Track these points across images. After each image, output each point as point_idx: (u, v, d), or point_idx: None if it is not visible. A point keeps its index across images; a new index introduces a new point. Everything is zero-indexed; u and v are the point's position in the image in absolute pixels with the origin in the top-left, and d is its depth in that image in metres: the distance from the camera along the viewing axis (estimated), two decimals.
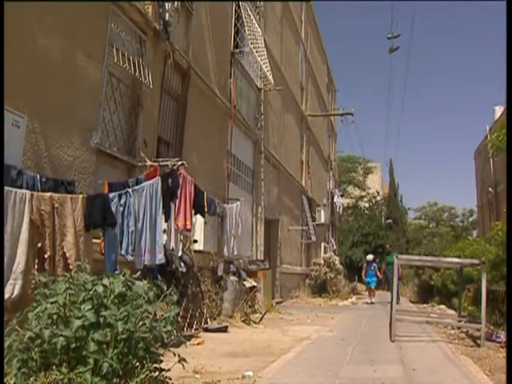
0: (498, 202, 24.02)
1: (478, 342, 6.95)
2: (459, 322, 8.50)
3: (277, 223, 16.11)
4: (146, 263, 5.88)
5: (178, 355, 3.27)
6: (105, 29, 6.46)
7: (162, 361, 3.31)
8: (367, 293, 18.31)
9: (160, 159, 7.47)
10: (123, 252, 5.47)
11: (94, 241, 5.24)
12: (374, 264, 17.70)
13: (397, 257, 7.57)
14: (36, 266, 4.32)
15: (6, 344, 2.95)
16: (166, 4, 7.87)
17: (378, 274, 17.47)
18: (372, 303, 16.38)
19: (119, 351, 2.98)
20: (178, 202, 6.88)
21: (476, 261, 8.05)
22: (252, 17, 12.19)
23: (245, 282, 10.01)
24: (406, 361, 5.53)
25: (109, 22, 6.56)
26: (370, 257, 18.34)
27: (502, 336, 7.07)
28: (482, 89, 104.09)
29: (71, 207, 4.67)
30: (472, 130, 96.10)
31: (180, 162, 7.08)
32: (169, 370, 3.35)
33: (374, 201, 43.32)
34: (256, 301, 10.52)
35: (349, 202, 42.70)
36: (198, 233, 8.69)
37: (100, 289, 3.13)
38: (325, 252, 23.11)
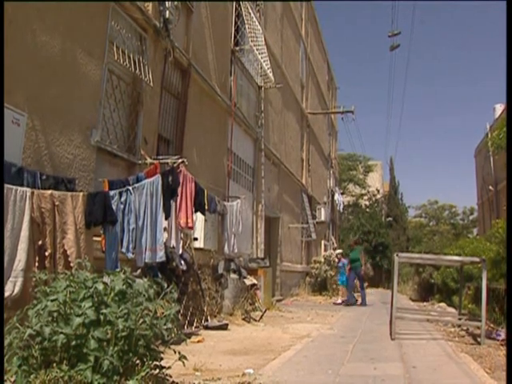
0: (498, 200, 24.03)
1: (479, 339, 6.95)
2: (459, 319, 8.51)
3: (277, 221, 16.12)
4: (146, 261, 5.89)
5: (179, 353, 3.27)
6: (105, 26, 6.45)
7: (162, 358, 3.31)
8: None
9: (160, 157, 7.47)
10: (124, 250, 5.47)
11: (95, 238, 5.24)
12: (343, 260, 16.65)
13: (397, 255, 7.55)
14: (37, 264, 4.32)
15: (7, 342, 2.95)
16: (166, 2, 7.86)
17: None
18: (340, 303, 14.90)
19: (119, 349, 2.98)
20: (178, 199, 6.88)
21: (476, 259, 8.05)
22: (252, 14, 12.17)
23: (245, 280, 10.02)
24: (406, 358, 5.53)
25: (109, 19, 6.55)
26: (337, 251, 17.23)
27: (503, 334, 7.07)
28: (483, 87, 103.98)
29: (72, 205, 4.68)
30: (472, 128, 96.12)
31: (180, 160, 7.08)
32: (169, 367, 3.36)
33: (373, 199, 43.33)
34: (256, 298, 10.53)
35: (349, 200, 42.72)
36: (199, 231, 8.69)
37: (100, 286, 3.13)
38: (325, 250, 23.13)
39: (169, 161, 7.19)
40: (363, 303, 14.67)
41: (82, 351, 2.91)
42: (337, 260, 18.05)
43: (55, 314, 3.00)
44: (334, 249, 25.64)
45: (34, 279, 3.36)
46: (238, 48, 11.98)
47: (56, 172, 5.29)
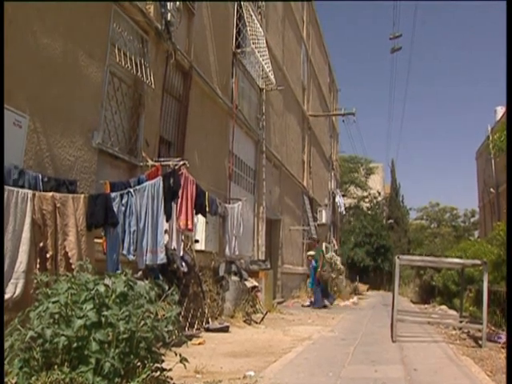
0: (499, 202, 24.01)
1: (480, 342, 6.95)
2: (460, 322, 8.49)
3: (278, 223, 16.11)
4: (147, 263, 5.89)
5: (180, 355, 3.27)
6: (106, 28, 6.47)
7: (163, 360, 3.31)
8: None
9: (161, 159, 7.48)
10: (125, 252, 5.48)
11: (96, 240, 5.25)
12: (313, 262, 15.36)
13: (398, 257, 7.55)
14: (38, 266, 4.33)
15: (8, 343, 2.96)
16: (168, 4, 7.87)
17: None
18: (308, 305, 14.19)
19: (121, 351, 2.98)
20: (179, 201, 6.89)
21: (477, 261, 8.04)
22: (254, 17, 12.19)
23: (246, 282, 10.01)
24: (407, 361, 5.52)
25: (110, 21, 6.56)
26: (309, 253, 16.13)
27: (503, 337, 7.06)
28: (484, 89, 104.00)
29: (73, 207, 4.68)
30: (474, 130, 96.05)
31: (181, 162, 7.08)
32: (170, 369, 3.35)
33: (375, 201, 43.32)
34: (257, 301, 10.52)
35: (351, 202, 42.70)
36: (200, 233, 8.69)
37: (102, 288, 3.13)
38: (326, 252, 23.10)
39: (170, 163, 7.19)
40: (315, 304, 13.80)
41: (84, 353, 2.91)
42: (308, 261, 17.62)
43: (56, 316, 3.00)
44: (336, 251, 25.64)
45: (35, 281, 3.37)
46: (239, 50, 11.99)
47: (57, 174, 5.30)
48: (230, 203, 10.05)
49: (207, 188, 8.20)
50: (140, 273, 6.02)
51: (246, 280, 10.07)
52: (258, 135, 13.63)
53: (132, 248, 5.56)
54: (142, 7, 7.24)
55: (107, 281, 3.26)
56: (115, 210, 5.25)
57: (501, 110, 24.03)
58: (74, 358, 2.94)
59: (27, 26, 4.98)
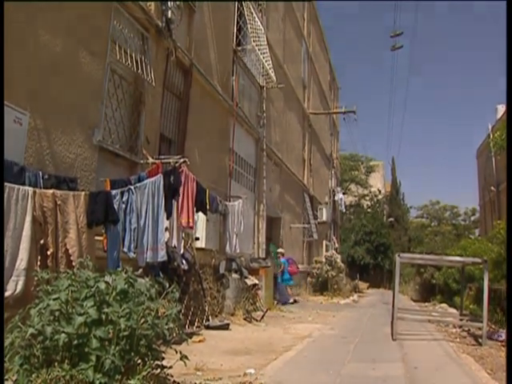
0: (500, 200, 23.99)
1: (480, 340, 6.95)
2: (461, 320, 8.50)
3: (278, 221, 16.11)
4: (148, 260, 5.89)
5: (180, 352, 3.28)
6: (107, 26, 6.45)
7: (163, 358, 3.31)
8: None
9: (162, 157, 7.47)
10: (125, 249, 5.47)
11: (97, 238, 5.25)
12: (281, 258, 15.02)
13: (399, 255, 7.54)
14: (38, 263, 4.33)
15: (9, 341, 2.96)
16: (169, 1, 7.86)
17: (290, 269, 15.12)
18: (292, 302, 13.90)
19: (121, 348, 2.98)
20: (180, 199, 6.88)
21: (478, 259, 8.04)
22: (254, 14, 12.17)
23: (246, 280, 10.02)
24: (407, 359, 5.52)
25: (111, 19, 6.55)
26: (279, 250, 15.43)
27: (504, 335, 7.07)
28: (485, 87, 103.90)
29: (74, 204, 4.68)
30: (475, 128, 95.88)
31: (182, 160, 7.07)
32: (170, 367, 3.36)
33: (375, 199, 43.33)
34: (257, 298, 10.53)
35: (351, 200, 42.72)
36: (200, 230, 8.69)
37: (102, 286, 3.13)
38: (326, 250, 23.12)
39: (171, 160, 7.18)
40: (281, 300, 13.29)
41: (84, 350, 2.91)
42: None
43: (57, 313, 3.00)
44: (336, 249, 25.66)
45: (36, 278, 3.36)
46: (240, 48, 11.97)
47: (58, 171, 5.29)
48: (230, 201, 10.04)
49: (207, 186, 8.20)
50: (140, 270, 5.97)
51: (246, 278, 10.08)
52: (258, 133, 13.62)
53: (132, 245, 5.56)
54: (142, 5, 7.23)
55: (108, 278, 3.25)
56: (116, 207, 5.24)
57: (502, 108, 23.99)
58: (74, 355, 2.94)
59: (28, 24, 4.97)
